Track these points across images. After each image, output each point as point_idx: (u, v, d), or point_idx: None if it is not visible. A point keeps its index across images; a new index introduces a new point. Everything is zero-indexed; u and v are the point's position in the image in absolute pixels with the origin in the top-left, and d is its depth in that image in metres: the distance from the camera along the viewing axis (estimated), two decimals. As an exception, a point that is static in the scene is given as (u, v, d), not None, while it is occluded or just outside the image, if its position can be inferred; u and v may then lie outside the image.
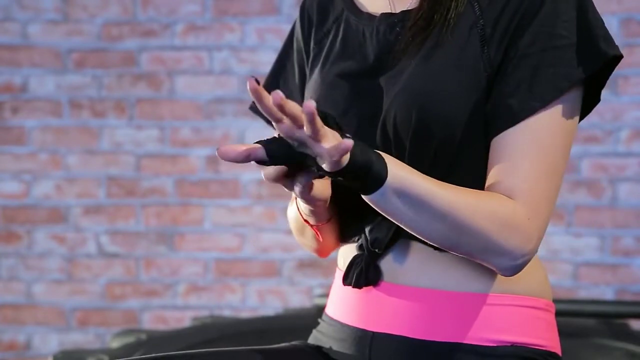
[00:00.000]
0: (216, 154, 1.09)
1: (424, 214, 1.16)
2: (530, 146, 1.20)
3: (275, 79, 1.46)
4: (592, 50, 1.21)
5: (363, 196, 1.16)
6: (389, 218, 1.19)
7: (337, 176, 1.10)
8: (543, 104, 1.20)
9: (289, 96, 1.40)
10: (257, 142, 1.07)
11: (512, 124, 1.20)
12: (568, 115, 1.22)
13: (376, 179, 1.13)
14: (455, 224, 1.17)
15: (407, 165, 1.17)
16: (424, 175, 1.18)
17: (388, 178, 1.14)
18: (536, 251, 1.23)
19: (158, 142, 3.44)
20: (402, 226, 1.20)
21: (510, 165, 1.20)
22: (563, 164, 1.22)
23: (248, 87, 1.00)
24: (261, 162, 1.07)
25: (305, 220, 1.30)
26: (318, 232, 1.31)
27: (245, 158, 1.06)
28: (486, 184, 1.22)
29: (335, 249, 1.41)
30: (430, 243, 1.22)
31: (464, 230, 1.17)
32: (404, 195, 1.15)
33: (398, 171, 1.15)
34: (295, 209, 1.32)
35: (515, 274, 1.22)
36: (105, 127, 3.45)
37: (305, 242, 1.41)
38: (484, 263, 1.22)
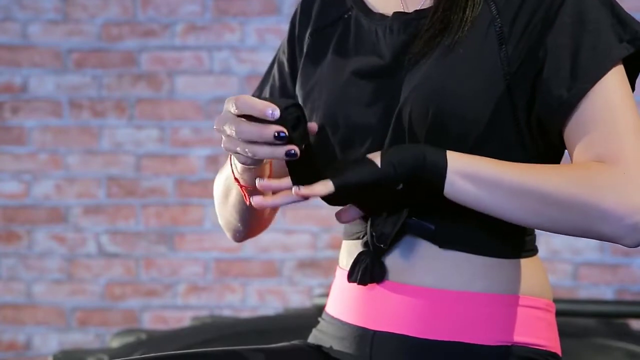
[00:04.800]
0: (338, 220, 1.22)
1: (503, 194, 1.16)
2: (600, 116, 1.18)
3: (270, 70, 1.46)
4: (628, 32, 1.21)
5: (445, 194, 1.17)
6: (476, 210, 1.18)
7: (402, 189, 1.17)
8: (591, 84, 1.18)
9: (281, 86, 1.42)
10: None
11: (569, 111, 1.19)
12: (622, 80, 1.20)
13: (435, 171, 1.15)
14: (540, 196, 1.15)
15: (467, 154, 1.18)
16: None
17: (449, 164, 1.16)
18: None
19: (158, 142, 3.44)
20: (494, 215, 1.18)
21: (589, 141, 1.18)
22: (638, 121, 1.19)
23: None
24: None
25: (236, 179, 1.25)
26: (246, 194, 1.25)
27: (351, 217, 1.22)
28: None
29: (255, 233, 1.41)
30: (530, 227, 1.19)
31: (554, 201, 1.14)
32: (475, 178, 1.16)
33: (457, 156, 1.17)
34: (229, 169, 1.28)
35: (638, 238, 1.14)
36: (105, 127, 3.45)
37: (225, 209, 1.38)
38: (599, 236, 1.16)
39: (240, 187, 1.25)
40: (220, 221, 1.43)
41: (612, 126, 1.17)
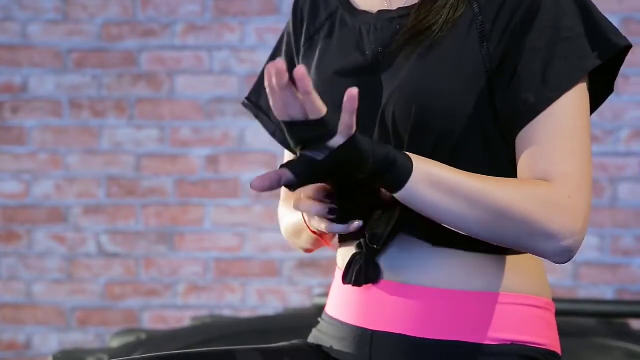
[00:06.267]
0: (250, 185, 1.13)
1: (459, 202, 1.17)
2: (556, 132, 1.20)
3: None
4: (601, 40, 1.22)
5: (395, 195, 1.17)
6: (425, 215, 1.19)
7: (363, 179, 1.14)
8: (559, 93, 1.20)
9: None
10: (281, 166, 1.12)
11: (533, 116, 1.20)
12: (584, 99, 1.22)
13: (402, 169, 1.15)
14: (494, 208, 1.17)
15: (429, 159, 1.19)
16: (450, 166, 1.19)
17: (415, 168, 1.16)
18: (585, 231, 1.20)
19: (158, 142, 3.44)
20: (441, 222, 1.20)
21: (540, 154, 1.20)
22: (589, 143, 1.22)
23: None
24: (289, 184, 1.12)
25: (314, 232, 1.30)
26: (322, 240, 1.32)
27: (277, 183, 1.11)
28: (519, 176, 1.23)
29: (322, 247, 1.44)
30: (473, 236, 1.21)
31: (504, 215, 1.17)
32: (436, 182, 1.16)
33: (424, 161, 1.17)
34: (300, 219, 1.32)
35: (568, 258, 1.20)
36: (105, 127, 3.45)
37: (297, 242, 1.42)
38: (534, 252, 1.21)
39: (312, 232, 1.30)
40: (294, 245, 1.46)
41: (564, 145, 1.20)
